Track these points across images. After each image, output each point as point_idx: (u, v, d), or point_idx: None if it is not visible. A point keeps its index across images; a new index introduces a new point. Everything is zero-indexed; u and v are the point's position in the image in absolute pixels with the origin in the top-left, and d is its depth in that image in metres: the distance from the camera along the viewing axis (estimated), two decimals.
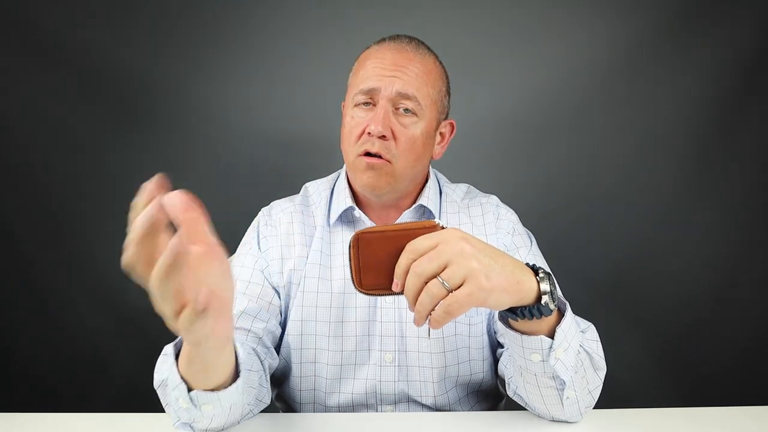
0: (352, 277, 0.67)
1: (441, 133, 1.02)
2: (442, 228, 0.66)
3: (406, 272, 0.63)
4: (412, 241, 0.64)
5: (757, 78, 1.72)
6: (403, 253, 0.64)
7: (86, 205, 1.77)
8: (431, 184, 1.05)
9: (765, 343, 1.77)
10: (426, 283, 0.62)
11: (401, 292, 0.65)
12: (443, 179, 1.11)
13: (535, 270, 0.70)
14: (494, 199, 1.08)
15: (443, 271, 0.62)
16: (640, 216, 1.78)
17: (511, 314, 0.71)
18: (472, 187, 1.12)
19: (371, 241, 0.66)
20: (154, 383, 0.78)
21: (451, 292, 0.62)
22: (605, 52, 1.76)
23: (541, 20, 1.76)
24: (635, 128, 1.77)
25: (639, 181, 1.78)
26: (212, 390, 0.67)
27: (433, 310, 0.63)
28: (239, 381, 0.69)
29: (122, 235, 1.85)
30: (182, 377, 0.66)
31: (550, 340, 0.73)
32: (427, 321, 0.64)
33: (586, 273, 1.74)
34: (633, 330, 1.79)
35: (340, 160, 1.02)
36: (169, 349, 0.69)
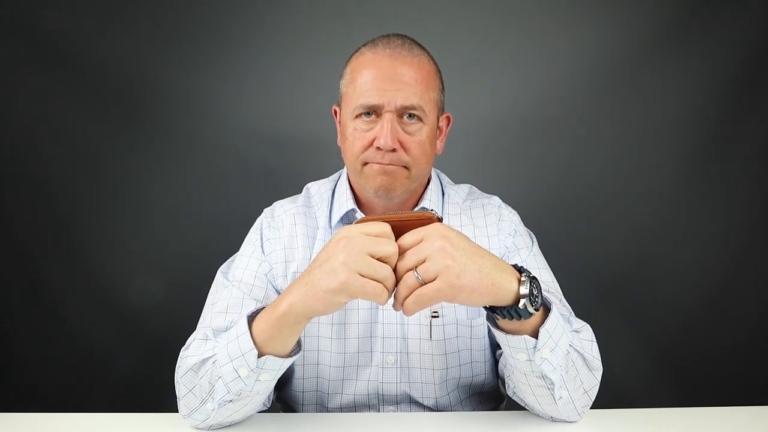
0: None
1: (439, 127, 1.02)
2: (439, 219, 0.72)
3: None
4: (401, 237, 0.70)
5: (758, 78, 1.72)
6: None
7: (86, 205, 1.77)
8: (433, 186, 1.05)
9: (764, 343, 1.77)
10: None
11: None
12: (446, 180, 1.11)
13: (520, 272, 0.73)
14: (496, 200, 1.08)
15: (421, 264, 0.68)
16: (640, 216, 1.78)
17: (494, 313, 0.74)
18: (474, 188, 1.11)
19: None
20: (184, 367, 0.81)
21: (424, 284, 0.68)
22: (607, 52, 1.76)
23: (544, 19, 1.76)
24: (636, 129, 1.77)
25: (639, 181, 1.78)
26: (279, 356, 0.75)
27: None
28: (296, 356, 0.79)
29: (121, 235, 1.85)
30: (255, 344, 0.74)
31: (534, 339, 0.74)
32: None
33: (586, 273, 1.74)
34: (633, 330, 1.79)
35: (338, 160, 1.02)
36: (240, 330, 0.76)
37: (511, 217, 1.05)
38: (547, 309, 0.76)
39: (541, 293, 0.74)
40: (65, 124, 1.75)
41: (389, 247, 0.68)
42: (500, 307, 0.72)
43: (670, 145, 1.77)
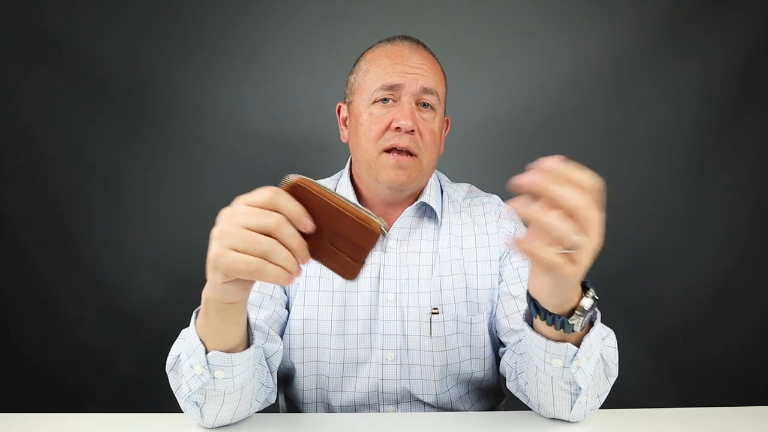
0: None
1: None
2: (382, 234, 0.59)
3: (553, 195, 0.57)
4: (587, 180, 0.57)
5: (757, 78, 1.72)
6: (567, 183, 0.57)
7: (87, 205, 1.77)
8: (432, 182, 1.05)
9: (765, 344, 1.77)
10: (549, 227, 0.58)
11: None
12: (444, 179, 1.12)
13: (584, 288, 0.68)
14: (496, 198, 1.09)
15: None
16: (640, 216, 1.78)
17: (537, 312, 0.69)
18: (473, 186, 1.12)
19: (306, 197, 0.58)
20: (167, 367, 0.81)
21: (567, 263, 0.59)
22: (606, 53, 1.76)
23: (541, 21, 1.76)
24: (635, 128, 1.77)
25: (639, 182, 1.77)
26: (227, 351, 0.71)
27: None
28: (251, 348, 0.74)
29: (121, 235, 1.85)
30: (200, 339, 0.71)
31: (575, 348, 0.72)
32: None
33: (586, 273, 1.73)
34: (633, 330, 1.78)
35: (338, 160, 1.02)
36: (190, 324, 0.74)
37: (510, 216, 1.05)
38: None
39: (594, 312, 0.70)
40: (65, 124, 1.75)
41: (268, 219, 0.57)
42: (548, 311, 0.68)
43: (670, 146, 1.76)
